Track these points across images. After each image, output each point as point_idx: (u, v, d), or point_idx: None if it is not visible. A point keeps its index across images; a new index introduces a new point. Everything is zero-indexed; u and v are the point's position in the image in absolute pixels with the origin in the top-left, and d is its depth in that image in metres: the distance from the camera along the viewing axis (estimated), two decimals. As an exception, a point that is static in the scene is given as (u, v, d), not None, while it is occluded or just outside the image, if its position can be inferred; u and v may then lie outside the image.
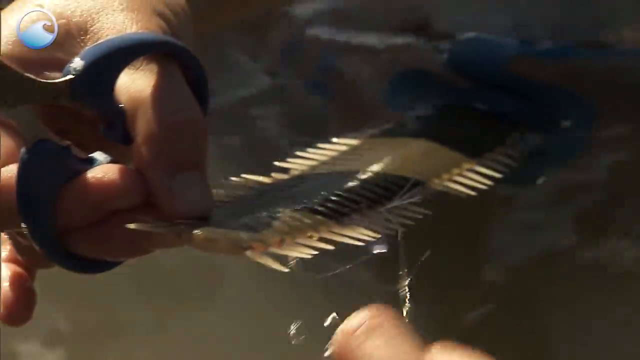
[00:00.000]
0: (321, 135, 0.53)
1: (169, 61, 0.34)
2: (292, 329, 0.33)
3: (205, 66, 0.35)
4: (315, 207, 0.36)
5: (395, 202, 0.41)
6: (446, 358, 0.25)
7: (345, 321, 0.26)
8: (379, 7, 0.74)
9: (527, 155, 0.63)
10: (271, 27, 0.73)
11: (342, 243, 0.35)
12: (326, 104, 0.73)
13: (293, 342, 0.32)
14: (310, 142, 0.49)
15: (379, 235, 0.37)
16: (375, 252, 0.38)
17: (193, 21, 0.39)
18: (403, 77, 0.71)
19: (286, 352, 0.37)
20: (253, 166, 0.42)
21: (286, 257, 0.32)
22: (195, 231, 0.31)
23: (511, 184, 0.65)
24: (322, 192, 0.38)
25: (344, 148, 0.50)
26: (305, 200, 0.37)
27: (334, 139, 0.51)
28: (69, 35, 0.34)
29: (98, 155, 0.34)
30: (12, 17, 0.34)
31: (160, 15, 0.35)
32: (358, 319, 0.26)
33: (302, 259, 0.33)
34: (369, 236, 0.36)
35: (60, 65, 0.33)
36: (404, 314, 0.33)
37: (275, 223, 0.34)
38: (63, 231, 0.33)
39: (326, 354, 0.25)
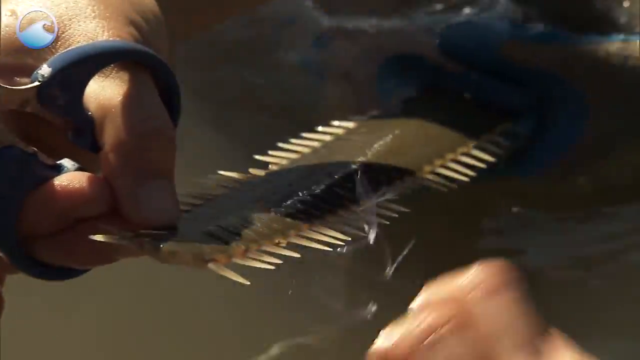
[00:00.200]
0: (313, 119, 0.53)
1: (139, 69, 0.33)
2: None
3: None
4: (288, 209, 0.36)
5: (374, 200, 0.40)
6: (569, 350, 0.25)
7: (459, 277, 0.26)
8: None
9: (521, 145, 0.63)
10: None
11: (312, 248, 0.35)
12: (319, 87, 0.73)
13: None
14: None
15: (349, 239, 0.37)
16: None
17: (166, 29, 0.38)
18: (393, 61, 0.70)
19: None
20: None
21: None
22: (158, 244, 0.31)
23: (509, 175, 0.65)
24: (297, 192, 0.38)
25: (328, 138, 0.50)
26: (277, 201, 0.37)
27: (319, 128, 0.50)
28: None
29: (66, 162, 0.34)
30: None
31: (133, 23, 0.35)
32: (475, 277, 0.26)
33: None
34: (340, 240, 0.36)
35: (30, 72, 0.33)
36: None
37: (243, 230, 0.34)
38: (28, 238, 0.33)
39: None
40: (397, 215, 0.41)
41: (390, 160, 0.48)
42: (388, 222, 0.40)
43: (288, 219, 0.36)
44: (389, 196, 0.42)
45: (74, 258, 0.33)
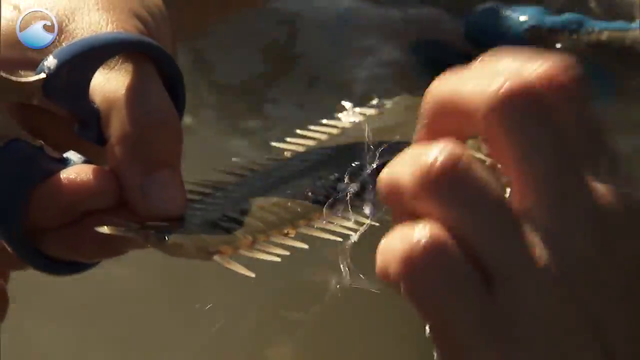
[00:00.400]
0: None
1: (144, 61, 0.33)
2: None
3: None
4: (298, 198, 0.36)
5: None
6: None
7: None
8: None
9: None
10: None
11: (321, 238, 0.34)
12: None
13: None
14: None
15: (362, 229, 0.36)
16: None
17: (171, 22, 0.38)
18: (419, 48, 0.70)
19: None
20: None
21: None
22: (163, 237, 0.30)
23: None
24: (309, 180, 0.37)
25: (347, 125, 0.48)
26: (289, 191, 0.36)
27: (339, 115, 0.50)
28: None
29: (72, 155, 0.34)
30: None
31: (137, 15, 0.35)
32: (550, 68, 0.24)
33: None
34: (351, 230, 0.35)
35: (34, 65, 0.33)
36: None
37: (251, 220, 0.33)
38: (35, 232, 0.33)
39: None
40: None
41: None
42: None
43: (298, 209, 0.35)
44: None
45: (80, 251, 0.33)
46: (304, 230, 0.34)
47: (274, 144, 0.43)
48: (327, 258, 0.32)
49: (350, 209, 0.36)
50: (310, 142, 0.44)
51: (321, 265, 0.39)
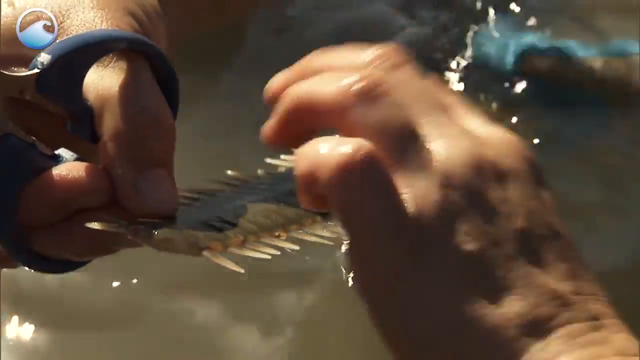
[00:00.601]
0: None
1: (138, 59, 0.33)
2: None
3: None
4: (292, 206, 0.35)
5: None
6: (469, 117, 0.31)
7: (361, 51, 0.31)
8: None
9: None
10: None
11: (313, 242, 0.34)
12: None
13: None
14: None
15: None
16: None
17: (167, 22, 0.38)
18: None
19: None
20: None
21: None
22: (153, 231, 0.30)
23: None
24: None
25: None
26: (282, 198, 0.36)
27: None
28: None
29: (64, 152, 0.34)
30: None
31: (132, 14, 0.35)
32: (379, 52, 0.31)
33: None
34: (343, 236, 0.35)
35: (27, 62, 0.33)
36: None
37: (243, 222, 0.33)
38: (27, 229, 0.32)
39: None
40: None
41: None
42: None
43: (291, 214, 0.35)
44: None
45: (72, 249, 0.33)
46: (295, 234, 0.34)
47: (268, 160, 0.43)
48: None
49: None
50: None
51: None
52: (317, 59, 0.33)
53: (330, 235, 0.35)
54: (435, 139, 0.28)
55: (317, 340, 0.63)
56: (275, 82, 0.34)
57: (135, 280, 0.63)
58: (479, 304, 0.26)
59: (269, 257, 0.32)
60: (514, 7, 0.73)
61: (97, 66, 0.33)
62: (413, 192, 0.27)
